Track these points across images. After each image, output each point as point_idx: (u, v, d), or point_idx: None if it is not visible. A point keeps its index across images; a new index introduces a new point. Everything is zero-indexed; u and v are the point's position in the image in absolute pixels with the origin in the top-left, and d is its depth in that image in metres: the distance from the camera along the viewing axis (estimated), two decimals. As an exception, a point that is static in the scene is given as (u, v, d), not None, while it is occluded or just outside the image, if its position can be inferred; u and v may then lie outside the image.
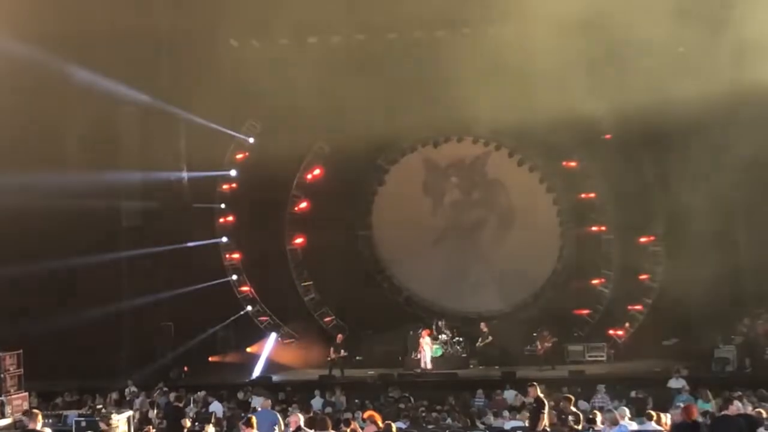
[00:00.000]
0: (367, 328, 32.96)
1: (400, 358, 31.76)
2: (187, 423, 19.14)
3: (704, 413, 16.71)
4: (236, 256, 33.84)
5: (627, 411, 16.85)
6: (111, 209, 31.44)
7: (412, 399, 24.29)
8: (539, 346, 30.94)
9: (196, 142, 31.10)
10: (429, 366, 30.41)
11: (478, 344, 31.88)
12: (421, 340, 30.74)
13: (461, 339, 31.81)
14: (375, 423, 14.89)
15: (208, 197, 33.38)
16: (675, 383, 24.37)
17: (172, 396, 22.79)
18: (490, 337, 31.80)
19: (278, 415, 18.20)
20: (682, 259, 30.49)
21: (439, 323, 31.92)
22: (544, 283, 33.89)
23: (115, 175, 30.64)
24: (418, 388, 26.65)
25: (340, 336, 31.66)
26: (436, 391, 26.00)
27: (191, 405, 22.41)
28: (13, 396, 22.43)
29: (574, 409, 17.71)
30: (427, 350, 30.54)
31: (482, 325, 32.20)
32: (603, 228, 33.04)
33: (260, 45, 31.42)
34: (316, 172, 34.19)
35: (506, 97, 27.26)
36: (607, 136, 32.08)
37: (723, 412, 15.89)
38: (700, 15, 26.82)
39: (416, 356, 30.81)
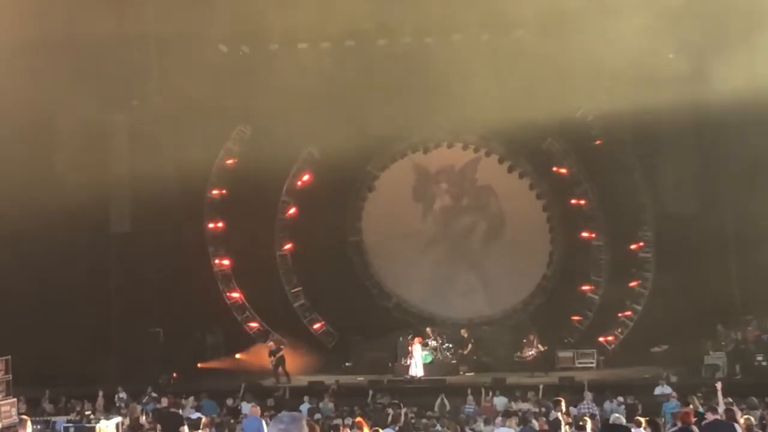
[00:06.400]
0: (356, 334, 32.89)
1: (390, 365, 31.71)
2: (186, 430, 18.94)
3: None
4: (226, 262, 33.78)
5: (623, 418, 16.85)
6: (100, 214, 31.31)
7: (401, 405, 24.23)
8: (527, 351, 30.93)
9: (186, 147, 30.99)
10: (421, 373, 30.31)
11: (463, 351, 31.86)
12: (411, 347, 30.68)
13: (451, 345, 31.78)
14: (363, 429, 14.88)
15: (197, 203, 33.29)
16: (660, 390, 24.39)
17: (163, 401, 22.67)
18: (470, 345, 31.84)
19: (263, 423, 18.11)
20: (671, 266, 30.57)
21: (430, 330, 31.89)
22: (533, 290, 33.83)
23: (104, 181, 30.50)
24: (407, 395, 26.58)
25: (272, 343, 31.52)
26: (425, 397, 25.95)
27: (179, 411, 22.25)
28: (1, 402, 22.24)
29: (560, 416, 17.70)
30: (417, 357, 30.42)
31: (462, 330, 32.23)
32: (593, 234, 33.00)
33: (250, 50, 31.38)
34: (306, 177, 34.10)
35: (496, 103, 27.25)
36: (597, 142, 32.11)
37: (713, 417, 15.91)
38: (691, 21, 26.94)
39: (406, 362, 30.74)
